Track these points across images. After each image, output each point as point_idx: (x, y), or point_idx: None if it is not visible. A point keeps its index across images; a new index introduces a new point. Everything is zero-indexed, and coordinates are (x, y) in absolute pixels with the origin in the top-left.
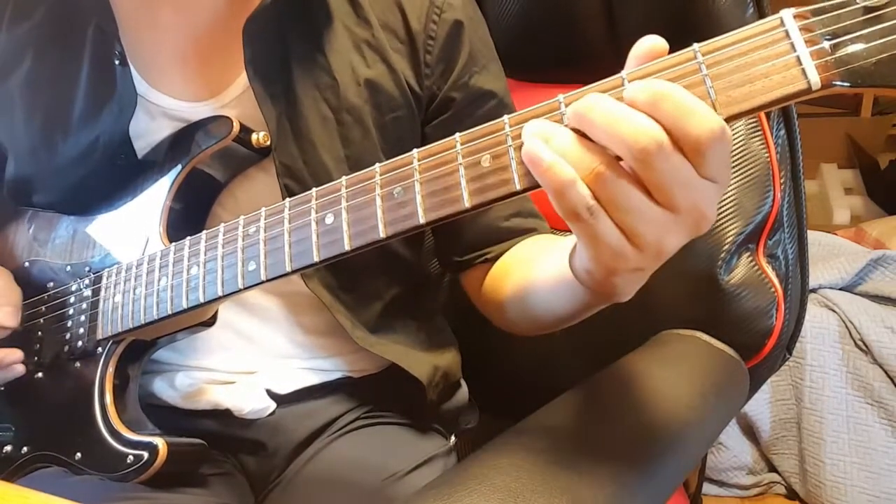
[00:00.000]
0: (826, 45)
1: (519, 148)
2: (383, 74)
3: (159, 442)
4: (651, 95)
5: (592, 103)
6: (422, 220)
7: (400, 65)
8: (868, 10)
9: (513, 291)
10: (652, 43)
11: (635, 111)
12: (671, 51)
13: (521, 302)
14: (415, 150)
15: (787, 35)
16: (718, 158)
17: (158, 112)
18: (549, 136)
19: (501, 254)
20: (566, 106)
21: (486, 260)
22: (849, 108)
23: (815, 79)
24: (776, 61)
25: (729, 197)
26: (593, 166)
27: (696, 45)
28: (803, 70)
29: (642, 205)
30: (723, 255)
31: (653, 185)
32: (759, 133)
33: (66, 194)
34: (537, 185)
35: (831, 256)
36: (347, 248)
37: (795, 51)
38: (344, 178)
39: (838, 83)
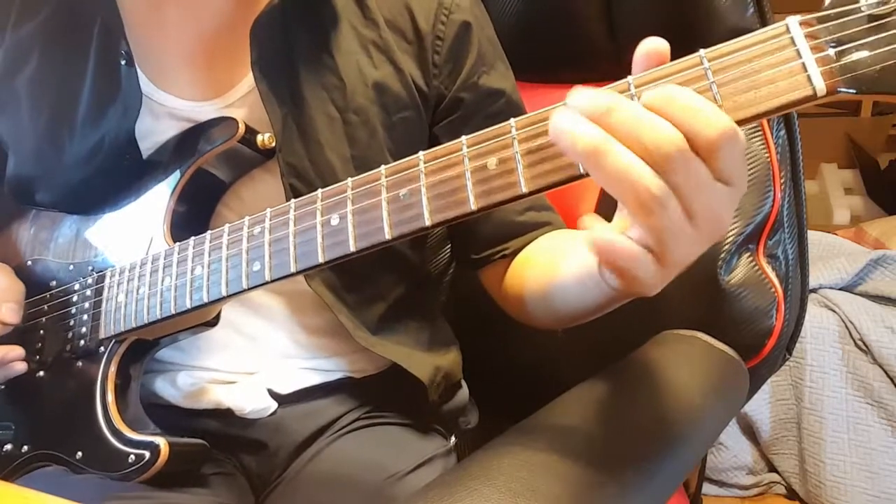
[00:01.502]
0: (831, 52)
1: (526, 153)
2: (390, 75)
3: (161, 441)
4: (661, 98)
5: (613, 105)
6: (428, 223)
7: (407, 65)
8: (872, 17)
9: (536, 288)
10: (652, 44)
11: (657, 116)
12: (673, 53)
13: (545, 299)
14: (421, 153)
15: (793, 42)
16: (731, 159)
17: (164, 112)
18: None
19: (519, 249)
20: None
21: (504, 256)
22: (849, 109)
23: (820, 85)
24: (782, 67)
25: None
26: (647, 190)
27: (702, 51)
28: (809, 77)
29: (677, 218)
30: (723, 255)
31: (673, 190)
32: (759, 133)
33: (71, 193)
34: (542, 189)
35: (831, 256)
36: (352, 249)
37: (801, 57)
38: (350, 179)
39: (843, 90)
